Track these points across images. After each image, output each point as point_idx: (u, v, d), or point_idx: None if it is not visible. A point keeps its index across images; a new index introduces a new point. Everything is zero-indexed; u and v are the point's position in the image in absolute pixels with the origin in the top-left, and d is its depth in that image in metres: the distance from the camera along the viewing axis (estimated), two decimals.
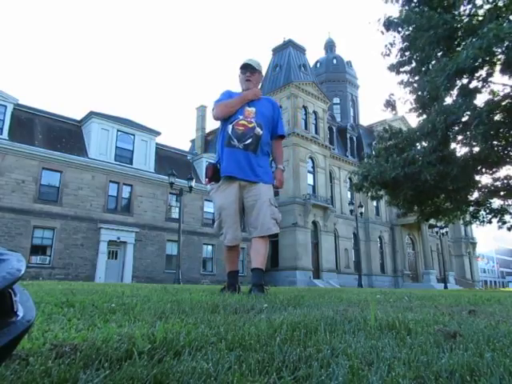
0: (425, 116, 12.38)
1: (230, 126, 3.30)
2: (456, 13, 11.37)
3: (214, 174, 3.35)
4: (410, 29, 11.85)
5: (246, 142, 3.24)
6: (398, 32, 12.18)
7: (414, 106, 12.53)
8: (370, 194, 14.32)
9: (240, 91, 3.56)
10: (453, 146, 12.25)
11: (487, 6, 10.80)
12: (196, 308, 1.77)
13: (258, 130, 3.28)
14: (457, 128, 10.89)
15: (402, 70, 12.57)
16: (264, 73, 35.13)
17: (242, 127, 3.28)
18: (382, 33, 12.38)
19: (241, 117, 3.32)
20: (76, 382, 0.69)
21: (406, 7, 11.97)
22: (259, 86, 3.67)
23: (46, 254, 18.11)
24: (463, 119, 10.46)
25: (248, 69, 3.49)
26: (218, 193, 3.39)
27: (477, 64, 9.37)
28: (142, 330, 1.10)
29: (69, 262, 18.31)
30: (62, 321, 1.35)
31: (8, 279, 0.54)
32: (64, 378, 0.70)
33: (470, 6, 11.20)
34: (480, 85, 10.87)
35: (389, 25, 12.10)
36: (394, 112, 13.57)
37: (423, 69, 11.59)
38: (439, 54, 11.18)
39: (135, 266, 20.45)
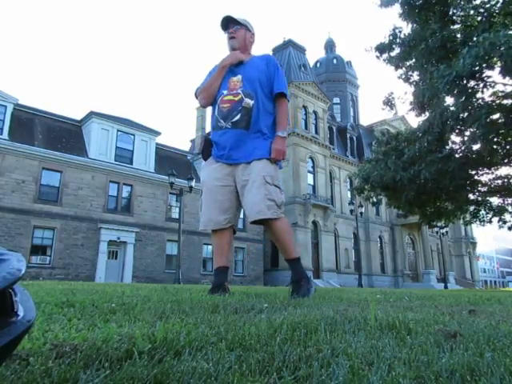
0: (424, 116, 12.43)
1: (217, 107, 2.82)
2: (453, 18, 11.45)
3: (206, 149, 2.86)
4: (403, 47, 12.11)
5: (234, 120, 2.71)
6: (391, 54, 12.48)
7: (413, 105, 12.57)
8: (370, 201, 14.50)
9: None
10: (451, 146, 12.29)
11: (479, 18, 10.92)
12: (196, 308, 1.77)
13: (248, 101, 2.72)
14: (453, 124, 10.91)
15: (401, 64, 12.67)
16: None
17: (227, 104, 2.76)
18: (378, 57, 12.67)
19: (225, 92, 2.80)
20: (76, 381, 0.69)
21: (402, 16, 12.05)
22: (251, 49, 3.00)
23: (46, 253, 18.12)
24: (460, 115, 10.49)
25: (229, 24, 2.90)
26: (204, 168, 2.89)
27: (475, 69, 9.46)
28: (143, 330, 1.10)
29: (69, 262, 18.31)
30: (63, 321, 1.35)
31: (8, 279, 0.54)
32: (64, 378, 0.70)
33: (462, 13, 11.26)
34: (479, 85, 10.89)
35: (382, 49, 12.40)
36: (393, 111, 13.67)
37: (425, 68, 11.63)
38: (436, 63, 11.25)
39: (135, 266, 20.45)
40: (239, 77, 2.81)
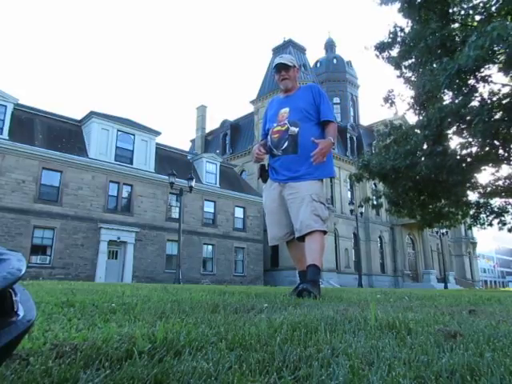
0: (424, 115, 12.43)
1: (269, 138, 3.30)
2: (453, 17, 11.44)
3: (262, 174, 3.38)
4: (403, 46, 12.11)
5: (284, 147, 3.15)
6: (391, 53, 12.49)
7: (413, 102, 12.57)
8: (370, 203, 14.52)
9: (283, 95, 3.44)
10: (451, 144, 12.31)
11: (478, 18, 10.91)
12: (196, 308, 1.77)
13: (293, 129, 3.13)
14: (452, 120, 10.88)
15: (400, 64, 12.65)
16: (265, 72, 35.12)
17: (276, 134, 3.22)
18: (377, 56, 12.66)
19: (275, 124, 3.27)
20: (76, 381, 0.70)
21: (402, 13, 12.02)
22: (297, 80, 3.50)
23: (46, 253, 18.11)
24: (460, 113, 10.48)
25: (281, 68, 3.31)
26: (264, 192, 3.43)
27: (479, 63, 9.40)
28: (143, 330, 1.10)
29: (69, 262, 18.31)
30: (63, 320, 1.35)
31: (9, 279, 0.54)
32: (64, 377, 0.70)
33: (462, 12, 11.26)
34: (479, 84, 10.89)
35: (381, 48, 12.40)
36: (392, 108, 13.62)
37: (426, 66, 11.61)
38: (435, 61, 11.22)
39: (135, 265, 20.44)
40: (286, 109, 3.24)
